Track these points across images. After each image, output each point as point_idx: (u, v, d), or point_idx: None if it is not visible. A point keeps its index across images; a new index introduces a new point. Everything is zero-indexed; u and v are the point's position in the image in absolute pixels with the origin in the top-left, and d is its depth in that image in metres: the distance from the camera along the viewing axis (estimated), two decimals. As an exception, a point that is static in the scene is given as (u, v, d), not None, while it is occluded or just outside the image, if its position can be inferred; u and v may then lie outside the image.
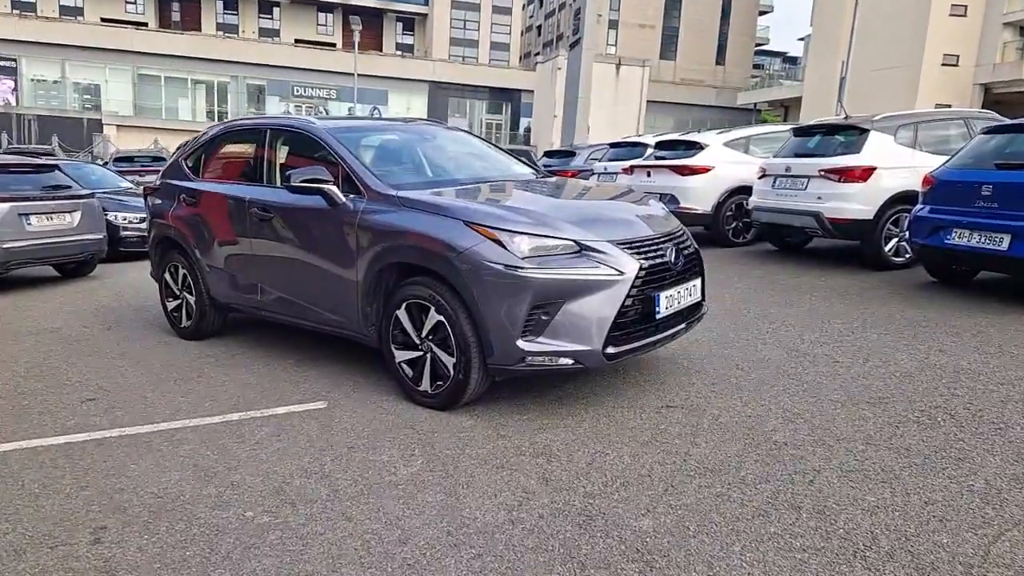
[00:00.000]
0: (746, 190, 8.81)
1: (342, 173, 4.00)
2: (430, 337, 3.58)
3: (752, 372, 4.12)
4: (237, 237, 4.61)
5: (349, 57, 36.33)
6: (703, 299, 3.94)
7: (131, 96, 40.84)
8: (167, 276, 5.36)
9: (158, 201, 5.36)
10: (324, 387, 4.07)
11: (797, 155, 7.80)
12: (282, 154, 4.52)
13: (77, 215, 7.83)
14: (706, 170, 8.96)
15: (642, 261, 3.41)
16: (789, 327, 5.09)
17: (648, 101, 36.26)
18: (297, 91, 42.85)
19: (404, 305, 3.64)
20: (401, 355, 3.74)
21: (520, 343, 3.27)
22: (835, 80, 28.53)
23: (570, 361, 3.31)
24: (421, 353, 3.65)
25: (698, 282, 3.83)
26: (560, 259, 3.30)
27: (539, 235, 3.33)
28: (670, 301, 3.55)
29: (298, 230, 4.17)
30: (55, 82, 40.13)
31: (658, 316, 3.48)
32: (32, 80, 39.59)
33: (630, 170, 10.13)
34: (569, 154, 15.05)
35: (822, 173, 7.19)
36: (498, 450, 3.17)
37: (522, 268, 3.22)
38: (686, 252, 3.78)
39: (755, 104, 46.06)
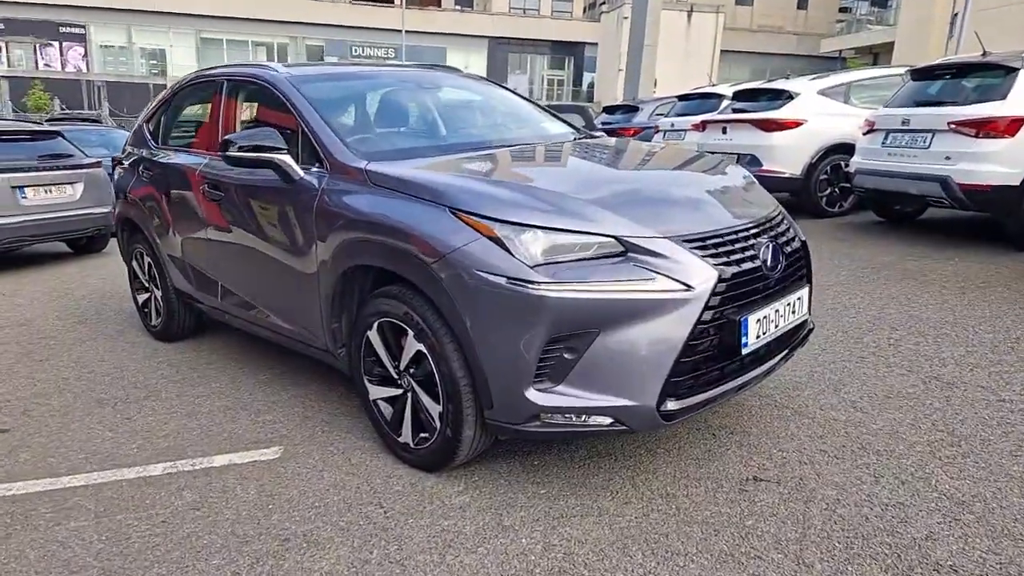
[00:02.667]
0: (845, 148, 7.30)
1: (303, 138, 2.94)
2: (411, 371, 2.53)
3: (878, 417, 2.88)
4: (191, 221, 3.64)
5: (410, 14, 35.11)
6: (808, 313, 2.72)
7: (195, 60, 40.97)
8: (134, 264, 4.49)
9: (121, 174, 4.46)
10: (289, 422, 3.09)
11: (918, 104, 6.24)
12: (241, 113, 3.48)
13: (80, 187, 7.12)
14: (796, 124, 7.45)
15: (722, 268, 2.22)
16: (920, 338, 3.77)
17: (721, 51, 33.61)
18: (355, 51, 41.99)
19: (376, 325, 2.59)
20: (376, 391, 2.71)
21: (532, 394, 2.16)
22: (935, 23, 25.33)
23: (607, 420, 2.18)
24: (401, 391, 2.60)
25: (804, 292, 2.60)
26: (593, 266, 2.15)
27: (559, 229, 2.19)
28: (763, 326, 2.35)
29: (251, 214, 3.15)
30: (122, 48, 40.62)
31: (745, 350, 2.29)
32: (101, 46, 40.17)
33: (702, 126, 8.68)
34: (631, 109, 13.54)
35: (953, 127, 5.65)
36: (496, 556, 2.10)
37: (533, 282, 2.09)
38: (788, 249, 2.56)
39: (840, 52, 42.23)
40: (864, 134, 6.65)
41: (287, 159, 2.81)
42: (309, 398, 3.35)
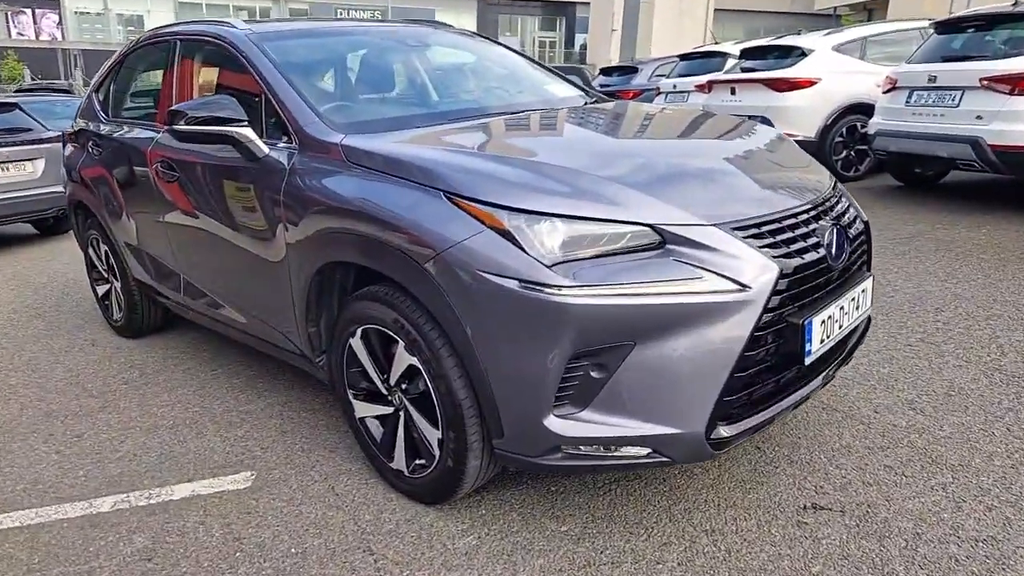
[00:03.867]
0: (862, 108, 6.84)
1: (267, 107, 2.47)
2: (403, 386, 2.11)
3: (943, 421, 2.49)
4: (146, 205, 3.17)
5: (395, -26, 33.86)
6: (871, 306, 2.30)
7: (173, 26, 39.55)
8: (91, 253, 4.02)
9: (72, 151, 3.96)
10: (263, 438, 2.68)
11: (944, 59, 5.76)
12: (198, 78, 2.99)
13: (40, 163, 6.58)
14: (810, 83, 6.95)
15: (782, 260, 1.80)
16: (969, 320, 3.38)
17: (715, 10, 32.60)
18: (340, 13, 40.62)
19: (360, 332, 2.16)
20: (363, 409, 2.29)
21: (551, 422, 1.75)
22: (938, -27, 24.49)
23: (643, 451, 1.78)
24: (392, 410, 2.19)
25: (868, 283, 2.18)
26: (625, 263, 1.72)
27: (582, 217, 1.75)
28: (827, 328, 1.94)
29: (211, 198, 2.68)
30: (98, 14, 39.11)
31: (808, 359, 1.88)
32: (75, 13, 38.61)
33: (708, 87, 8.16)
34: (630, 71, 12.90)
35: (985, 83, 5.19)
36: (511, 621, 1.72)
37: (551, 285, 1.66)
38: (852, 233, 2.13)
39: (835, 8, 41.17)
40: (884, 92, 6.18)
41: (247, 132, 2.35)
42: (287, 407, 2.93)
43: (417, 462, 2.14)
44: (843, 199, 2.26)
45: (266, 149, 2.37)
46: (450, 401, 1.90)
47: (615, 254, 1.74)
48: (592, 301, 1.66)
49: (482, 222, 1.76)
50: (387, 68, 2.98)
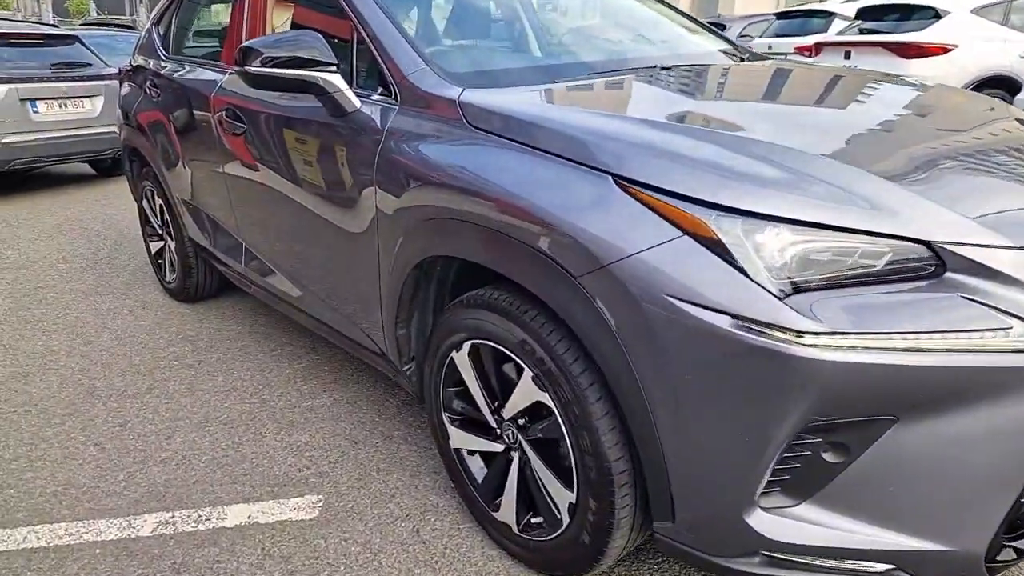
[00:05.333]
0: (1003, 82, 5.97)
1: (359, 48, 1.95)
2: (521, 423, 1.62)
3: None
4: (207, 160, 2.72)
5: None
6: None
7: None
8: (145, 205, 3.62)
9: (127, 91, 3.53)
10: (331, 448, 2.24)
11: None
12: (272, 12, 2.48)
13: (99, 100, 6.25)
14: (944, 51, 6.09)
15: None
16: None
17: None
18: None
19: (468, 346, 1.67)
20: (461, 438, 1.82)
21: (754, 516, 1.23)
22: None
23: (880, 568, 1.24)
24: (502, 448, 1.70)
25: None
26: (885, 297, 1.17)
27: (826, 225, 1.19)
28: None
29: (283, 159, 2.20)
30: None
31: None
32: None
33: (815, 50, 7.31)
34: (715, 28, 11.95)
35: None
36: None
37: (786, 328, 1.12)
38: None
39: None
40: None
41: (335, 80, 1.84)
42: (357, 407, 2.49)
43: (532, 520, 1.67)
44: None
45: (357, 103, 1.86)
46: (595, 461, 1.40)
47: (868, 282, 1.19)
48: (846, 357, 1.12)
49: (676, 225, 1.22)
50: (509, 4, 2.41)
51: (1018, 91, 5.63)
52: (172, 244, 3.37)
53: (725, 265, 1.18)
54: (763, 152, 1.32)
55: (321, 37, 1.85)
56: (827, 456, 1.20)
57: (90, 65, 6.32)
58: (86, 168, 7.19)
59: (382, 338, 2.00)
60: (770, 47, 8.83)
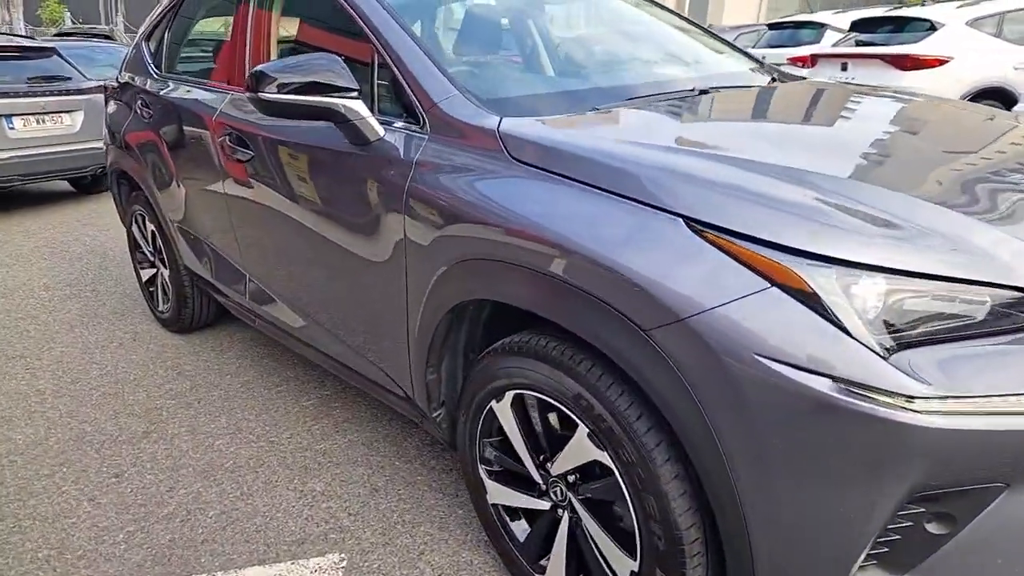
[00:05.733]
0: (997, 94, 5.99)
1: (380, 71, 1.82)
2: (572, 480, 1.49)
3: None
4: (207, 186, 2.56)
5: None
6: None
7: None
8: (135, 231, 3.45)
9: (114, 109, 3.36)
10: (349, 497, 2.09)
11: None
12: (285, 29, 2.34)
13: (79, 116, 6.03)
14: (940, 63, 6.09)
15: None
16: None
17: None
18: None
19: (510, 395, 1.54)
20: (500, 493, 1.68)
21: (853, 596, 1.12)
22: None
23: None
24: (547, 506, 1.57)
25: None
26: (986, 352, 1.06)
27: (925, 274, 1.08)
28: None
29: (295, 191, 2.05)
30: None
31: None
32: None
33: (810, 61, 7.30)
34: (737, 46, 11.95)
35: None
36: None
37: (892, 393, 1.01)
38: None
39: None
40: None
41: (358, 107, 1.70)
42: (374, 448, 2.34)
43: (584, 585, 1.53)
44: None
45: (381, 131, 1.72)
46: (663, 528, 1.27)
47: (968, 335, 1.08)
48: (960, 424, 1.01)
49: (764, 276, 1.10)
50: (541, 25, 2.29)
51: (1013, 103, 5.65)
52: (166, 272, 3.20)
53: (820, 320, 1.06)
54: (850, 192, 1.21)
55: (339, 60, 1.72)
56: (931, 527, 1.09)
57: (69, 79, 6.10)
58: (64, 185, 6.95)
59: (409, 383, 1.86)
60: (763, 58, 8.83)
